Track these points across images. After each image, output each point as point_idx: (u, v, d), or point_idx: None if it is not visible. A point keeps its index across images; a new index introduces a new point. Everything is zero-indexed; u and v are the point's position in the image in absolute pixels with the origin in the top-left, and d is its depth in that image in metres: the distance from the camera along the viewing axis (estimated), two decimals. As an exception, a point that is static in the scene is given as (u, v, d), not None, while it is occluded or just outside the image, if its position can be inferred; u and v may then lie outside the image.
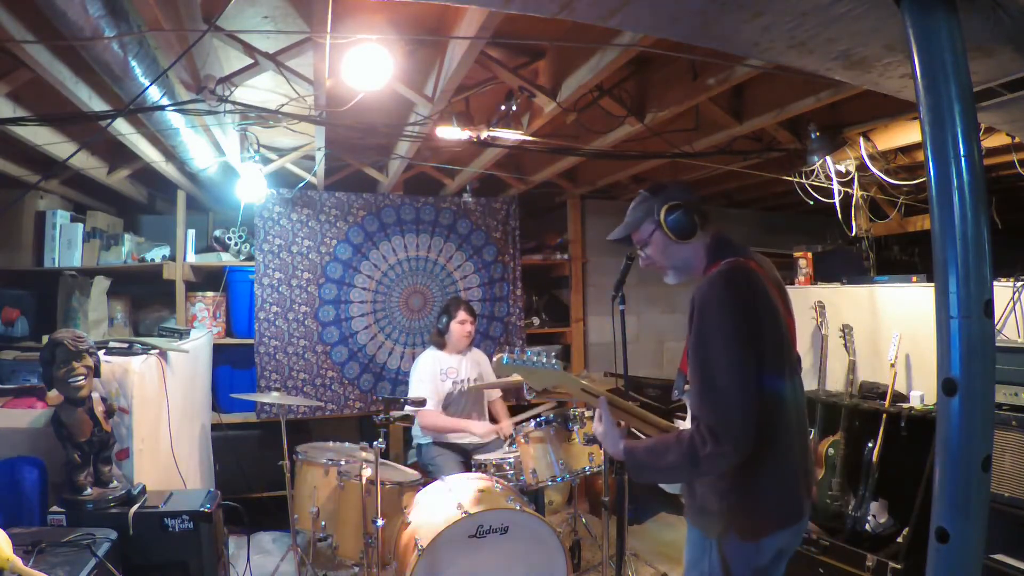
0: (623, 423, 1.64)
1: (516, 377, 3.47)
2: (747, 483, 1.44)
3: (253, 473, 3.84)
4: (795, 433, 1.52)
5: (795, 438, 1.51)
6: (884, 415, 3.01)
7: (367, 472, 2.67)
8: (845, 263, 3.86)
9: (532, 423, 2.99)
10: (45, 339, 2.27)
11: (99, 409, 2.19)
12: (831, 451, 3.15)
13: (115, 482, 2.21)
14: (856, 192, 3.75)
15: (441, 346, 3.65)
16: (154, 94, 2.19)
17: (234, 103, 2.43)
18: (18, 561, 1.56)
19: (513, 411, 4.05)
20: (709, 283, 1.45)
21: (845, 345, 3.31)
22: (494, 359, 1.57)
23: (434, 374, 3.57)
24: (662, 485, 1.80)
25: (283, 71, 2.23)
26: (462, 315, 3.59)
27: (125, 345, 2.71)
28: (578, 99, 2.58)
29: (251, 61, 2.21)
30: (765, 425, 1.39)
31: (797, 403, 1.54)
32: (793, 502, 1.50)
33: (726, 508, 1.47)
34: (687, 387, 1.55)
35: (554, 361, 1.60)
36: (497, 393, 3.90)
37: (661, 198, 1.60)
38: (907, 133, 3.13)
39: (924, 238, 4.25)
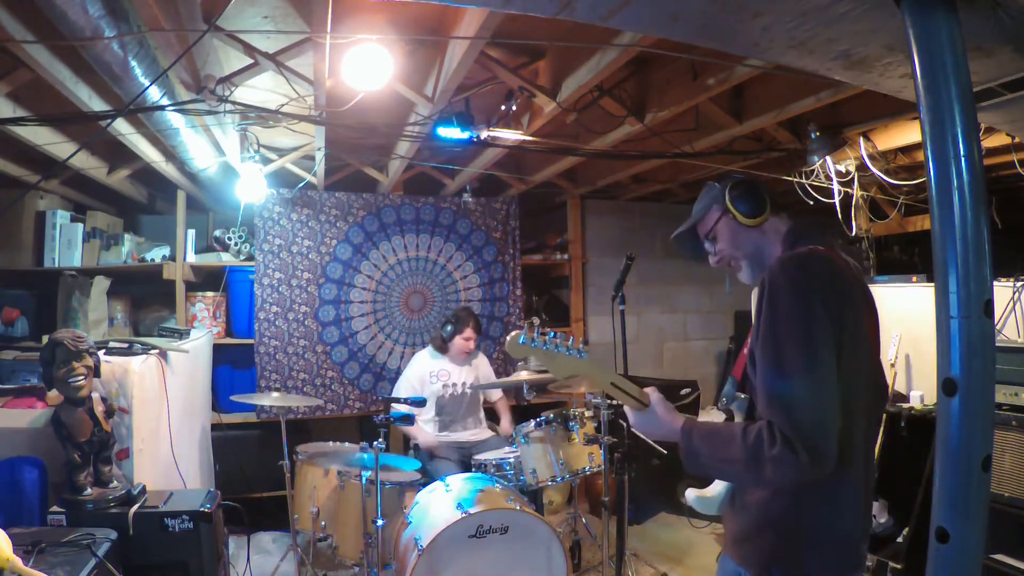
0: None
1: (515, 377, 3.51)
2: (808, 511, 1.24)
3: (253, 473, 3.84)
4: (867, 462, 1.28)
5: (867, 469, 1.28)
6: (884, 415, 3.01)
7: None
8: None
9: (532, 423, 2.99)
10: (45, 339, 2.27)
11: (99, 409, 2.19)
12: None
13: (115, 482, 2.21)
14: (856, 192, 3.75)
15: (441, 351, 3.67)
16: (154, 94, 2.19)
17: (234, 103, 2.43)
18: (18, 561, 1.56)
19: (514, 412, 4.05)
20: (781, 266, 1.25)
21: (845, 345, 3.31)
22: (508, 338, 1.36)
23: (422, 377, 3.61)
24: (693, 505, 1.51)
25: (283, 71, 2.23)
26: (468, 332, 3.61)
27: (125, 345, 2.71)
28: (578, 99, 2.58)
29: (251, 61, 2.21)
30: (840, 446, 1.18)
31: (870, 427, 1.29)
32: (855, 546, 1.27)
33: (775, 538, 1.27)
34: (740, 394, 1.36)
35: (580, 347, 1.36)
36: (496, 394, 3.91)
37: (726, 181, 1.47)
38: (907, 133, 3.13)
39: (924, 238, 4.25)
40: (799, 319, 1.19)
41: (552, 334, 1.35)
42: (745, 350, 1.35)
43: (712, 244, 1.50)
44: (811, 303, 1.19)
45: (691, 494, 1.55)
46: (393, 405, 3.09)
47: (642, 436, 1.40)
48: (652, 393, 1.38)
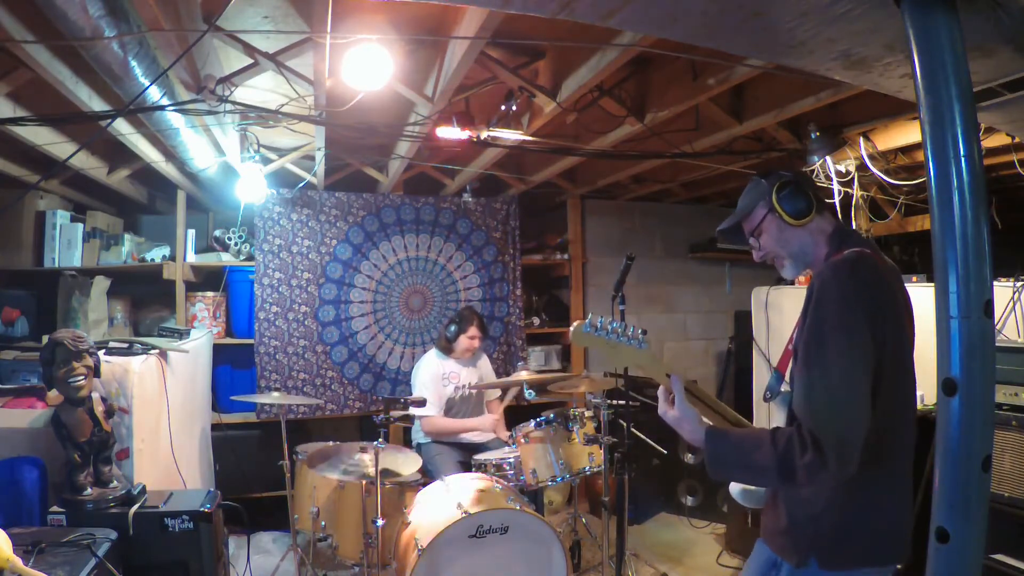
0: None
1: (516, 377, 3.51)
2: (850, 506, 1.26)
3: (253, 473, 3.84)
4: (909, 457, 1.32)
5: (909, 463, 1.32)
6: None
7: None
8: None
9: (532, 423, 2.99)
10: (45, 339, 2.27)
11: (99, 409, 2.19)
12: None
13: (115, 482, 2.21)
14: (856, 192, 3.75)
15: (447, 352, 3.67)
16: (154, 94, 2.19)
17: (234, 103, 2.43)
18: (18, 561, 1.56)
19: (514, 412, 4.05)
20: (833, 269, 1.27)
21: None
22: (572, 327, 1.36)
23: (436, 378, 3.58)
24: (737, 498, 1.56)
25: (283, 71, 2.23)
26: (473, 331, 3.60)
27: (125, 345, 2.71)
28: (578, 99, 2.58)
29: (251, 61, 2.21)
30: (883, 440, 1.23)
31: (911, 424, 1.34)
32: (897, 537, 1.30)
33: (815, 531, 1.29)
34: (784, 387, 1.37)
35: (641, 337, 1.36)
36: (495, 394, 3.91)
37: (773, 178, 1.48)
38: (907, 133, 3.13)
39: (924, 238, 4.25)
40: (844, 328, 1.21)
41: (614, 323, 1.37)
42: (790, 346, 1.37)
43: (756, 240, 1.52)
44: (857, 312, 1.21)
45: (735, 487, 1.56)
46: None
47: (672, 427, 1.39)
48: (675, 383, 1.36)
